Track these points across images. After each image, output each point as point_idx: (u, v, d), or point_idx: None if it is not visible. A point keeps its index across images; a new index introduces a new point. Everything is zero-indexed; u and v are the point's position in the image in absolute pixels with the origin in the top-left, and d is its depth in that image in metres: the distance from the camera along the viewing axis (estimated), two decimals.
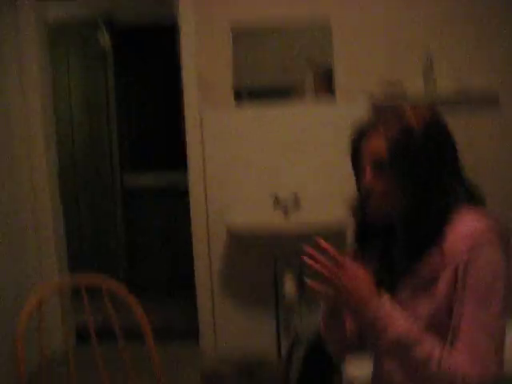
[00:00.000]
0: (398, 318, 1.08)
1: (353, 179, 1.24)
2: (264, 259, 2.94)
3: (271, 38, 2.95)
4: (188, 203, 3.09)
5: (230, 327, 3.07)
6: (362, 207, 1.19)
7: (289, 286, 2.86)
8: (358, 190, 1.21)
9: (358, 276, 1.11)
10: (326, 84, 2.95)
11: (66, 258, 3.37)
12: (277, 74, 2.98)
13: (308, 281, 1.11)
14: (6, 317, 2.65)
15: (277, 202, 2.89)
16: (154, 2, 3.95)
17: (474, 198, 1.17)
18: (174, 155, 3.94)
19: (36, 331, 1.63)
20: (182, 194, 3.39)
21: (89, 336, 1.70)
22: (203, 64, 2.97)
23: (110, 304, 1.71)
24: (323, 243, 1.12)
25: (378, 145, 1.15)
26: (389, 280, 1.17)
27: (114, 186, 4.43)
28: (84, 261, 4.13)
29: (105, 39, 4.20)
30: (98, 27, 4.20)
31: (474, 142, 2.74)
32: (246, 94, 3.00)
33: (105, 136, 4.37)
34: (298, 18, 2.89)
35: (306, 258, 1.11)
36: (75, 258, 3.65)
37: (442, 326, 1.09)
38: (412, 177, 1.12)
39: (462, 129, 2.22)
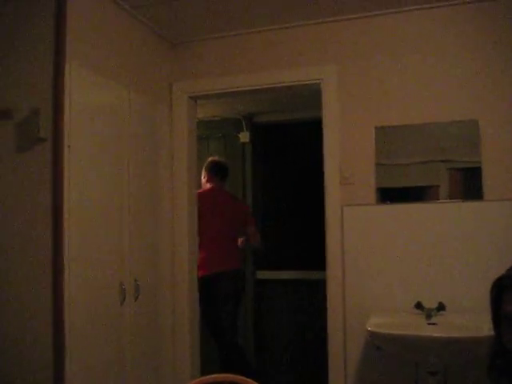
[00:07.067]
0: None
1: None
2: (404, 364, 2.74)
3: (412, 134, 2.88)
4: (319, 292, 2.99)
5: None
6: None
7: None
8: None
9: None
10: (460, 185, 2.83)
11: (198, 360, 3.37)
12: (416, 172, 2.88)
13: None
14: None
15: (419, 306, 2.73)
16: (294, 105, 4.15)
17: None
18: (310, 255, 3.88)
19: None
20: (314, 283, 3.23)
21: None
22: (344, 160, 2.98)
23: None
24: None
25: None
26: None
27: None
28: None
29: (245, 135, 4.43)
30: (239, 125, 4.47)
31: None
32: (385, 191, 2.92)
33: None
34: (444, 122, 2.84)
35: None
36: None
37: None
38: None
39: None
